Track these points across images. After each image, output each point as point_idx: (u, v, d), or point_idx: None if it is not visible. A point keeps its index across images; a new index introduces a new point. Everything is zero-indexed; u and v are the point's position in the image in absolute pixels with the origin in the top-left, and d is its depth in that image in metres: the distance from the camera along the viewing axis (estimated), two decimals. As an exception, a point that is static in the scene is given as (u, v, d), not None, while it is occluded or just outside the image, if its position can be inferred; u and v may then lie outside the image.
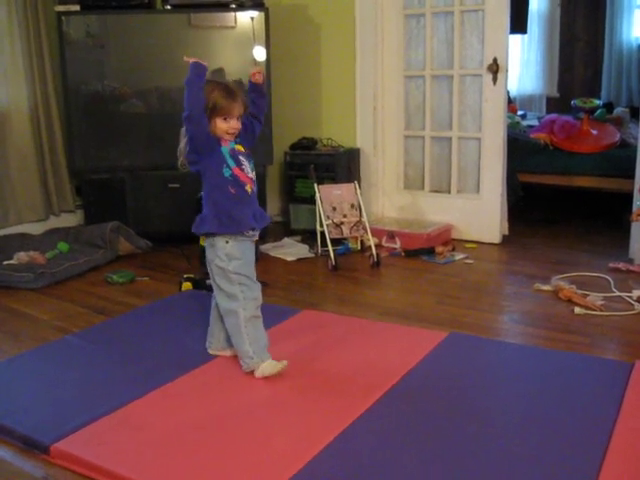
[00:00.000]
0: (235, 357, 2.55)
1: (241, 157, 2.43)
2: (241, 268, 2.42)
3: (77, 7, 4.23)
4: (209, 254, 2.46)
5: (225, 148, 2.39)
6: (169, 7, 4.35)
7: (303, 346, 2.75)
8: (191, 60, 2.32)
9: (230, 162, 2.39)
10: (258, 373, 2.43)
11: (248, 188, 2.43)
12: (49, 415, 2.23)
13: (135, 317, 3.20)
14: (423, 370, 2.50)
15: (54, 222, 4.72)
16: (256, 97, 2.52)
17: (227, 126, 2.37)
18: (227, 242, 2.41)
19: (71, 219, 4.85)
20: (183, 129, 2.38)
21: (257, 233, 2.50)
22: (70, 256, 3.98)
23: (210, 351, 2.67)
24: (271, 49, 4.38)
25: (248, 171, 2.43)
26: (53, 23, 4.35)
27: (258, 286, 2.49)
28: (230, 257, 2.41)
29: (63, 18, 4.22)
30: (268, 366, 2.43)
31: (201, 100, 2.30)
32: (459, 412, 2.21)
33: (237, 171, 2.40)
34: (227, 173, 2.38)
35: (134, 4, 4.36)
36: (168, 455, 1.98)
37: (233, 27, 4.39)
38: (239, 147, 2.44)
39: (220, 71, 4.37)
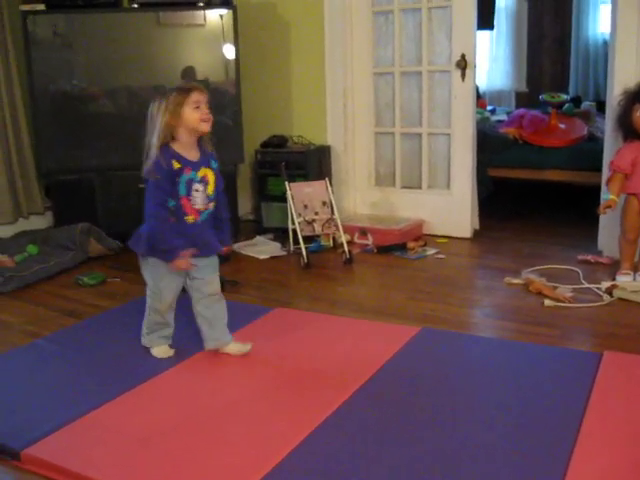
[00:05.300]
0: (212, 356, 2.55)
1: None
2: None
3: (42, 6, 4.18)
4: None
5: (184, 177, 2.42)
6: (136, 5, 4.31)
7: (276, 344, 2.75)
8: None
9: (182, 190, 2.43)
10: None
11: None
12: (19, 421, 2.20)
13: (106, 319, 3.17)
14: (395, 366, 2.52)
15: (23, 225, 4.65)
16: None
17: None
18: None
19: (40, 221, 4.79)
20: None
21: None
22: (40, 259, 3.93)
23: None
24: (240, 47, 4.36)
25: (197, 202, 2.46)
26: (18, 22, 4.28)
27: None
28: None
29: (28, 17, 4.17)
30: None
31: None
32: (431, 407, 2.22)
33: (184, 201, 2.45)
34: (171, 203, 2.43)
35: (100, 3, 4.31)
36: (138, 458, 1.97)
37: (202, 25, 4.36)
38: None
39: (190, 69, 4.36)
